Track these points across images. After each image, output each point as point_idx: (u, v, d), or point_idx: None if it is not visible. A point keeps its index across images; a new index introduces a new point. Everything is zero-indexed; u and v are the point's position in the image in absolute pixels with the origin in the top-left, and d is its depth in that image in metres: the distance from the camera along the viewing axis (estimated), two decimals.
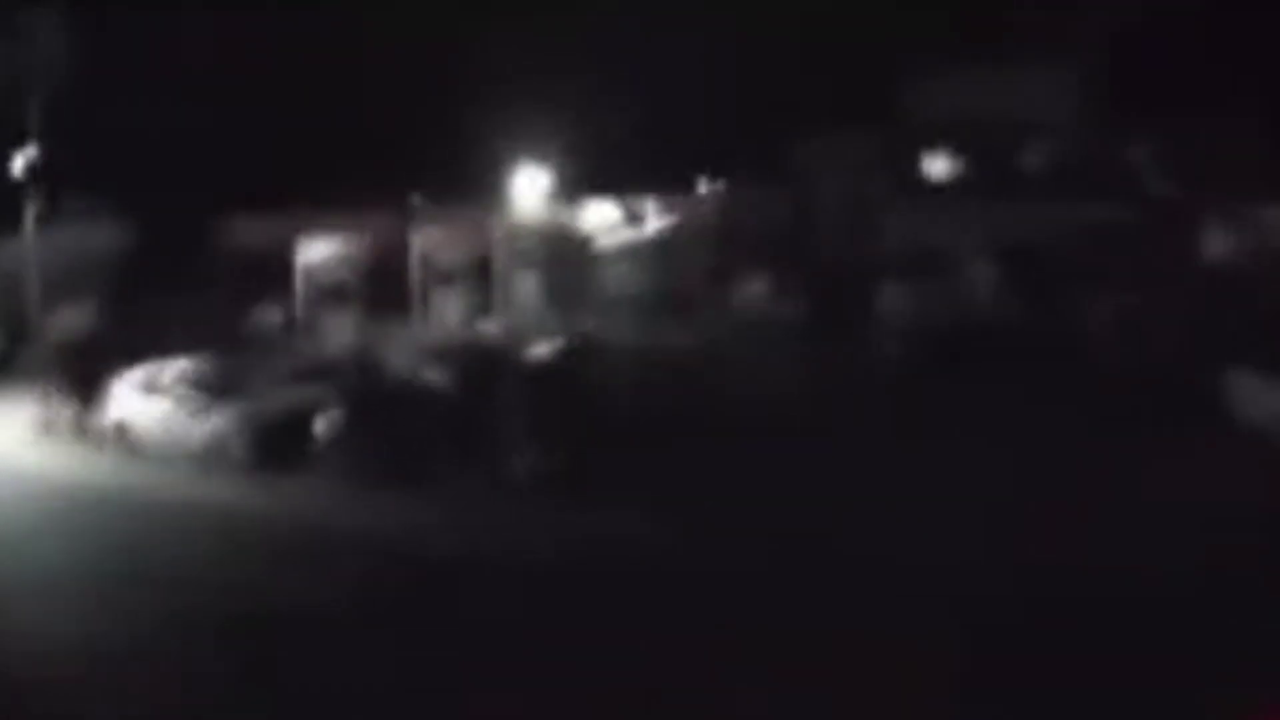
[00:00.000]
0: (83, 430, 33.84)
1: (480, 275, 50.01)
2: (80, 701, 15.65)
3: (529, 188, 49.94)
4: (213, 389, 30.97)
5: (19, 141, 35.35)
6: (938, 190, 45.01)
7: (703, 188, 49.98)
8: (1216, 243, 37.76)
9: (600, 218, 49.89)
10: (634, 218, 49.47)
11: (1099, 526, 19.92)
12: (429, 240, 49.91)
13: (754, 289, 44.40)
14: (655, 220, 49.32)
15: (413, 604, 18.88)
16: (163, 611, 19.02)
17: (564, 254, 50.18)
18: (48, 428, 34.50)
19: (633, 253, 49.37)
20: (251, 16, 47.22)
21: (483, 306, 49.23)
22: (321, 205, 47.07)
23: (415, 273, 49.27)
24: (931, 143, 46.10)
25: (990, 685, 14.35)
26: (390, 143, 48.15)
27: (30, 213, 35.65)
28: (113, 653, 17.26)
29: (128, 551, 22.94)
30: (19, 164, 35.48)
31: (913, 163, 45.91)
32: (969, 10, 42.31)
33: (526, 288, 50.30)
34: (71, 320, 35.90)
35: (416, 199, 50.59)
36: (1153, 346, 29.98)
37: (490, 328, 47.36)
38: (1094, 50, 42.31)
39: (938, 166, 46.49)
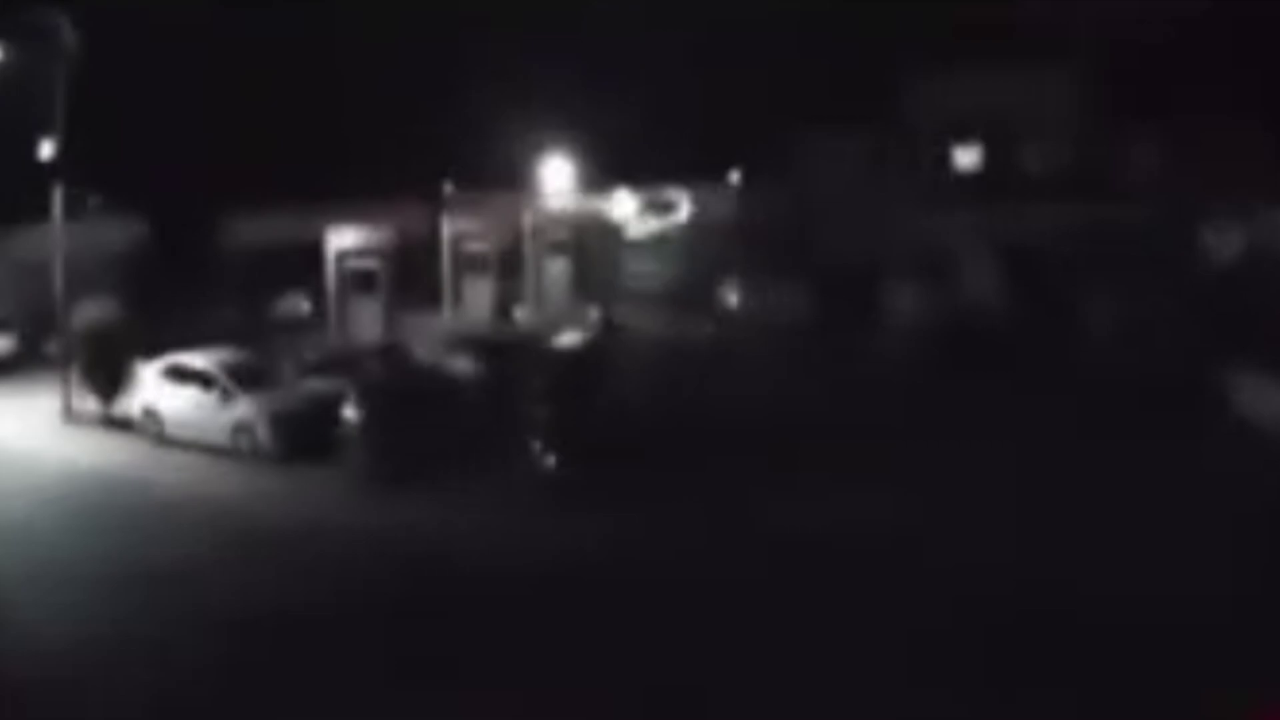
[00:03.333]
0: (108, 419, 34.02)
1: (510, 264, 50.08)
2: (97, 689, 15.79)
3: (558, 177, 49.97)
4: (239, 379, 31.04)
5: (41, 137, 35.47)
6: (941, 189, 44.84)
7: (729, 179, 49.89)
8: (1217, 243, 37.54)
9: (627, 207, 49.91)
10: (660, 207, 49.47)
11: (1099, 526, 19.91)
12: (459, 229, 49.98)
13: (769, 284, 44.40)
14: (682, 211, 49.36)
15: (422, 600, 19.00)
16: (179, 603, 19.19)
17: (592, 243, 50.23)
18: (73, 417, 34.67)
19: (658, 244, 49.44)
20: (284, 7, 47.36)
21: (512, 295, 49.28)
22: (351, 194, 47.17)
23: (445, 262, 49.37)
24: (935, 143, 45.96)
25: (993, 684, 14.37)
26: (421, 133, 48.28)
27: (55, 206, 35.74)
28: (122, 643, 17.42)
29: (148, 540, 23.10)
30: (44, 157, 35.59)
31: (916, 162, 45.74)
32: (972, 10, 42.04)
33: (555, 277, 50.36)
34: (97, 311, 36.02)
35: (447, 188, 50.67)
36: (1154, 346, 29.84)
37: (518, 317, 47.43)
38: (1094, 51, 42.00)
39: (941, 166, 46.35)
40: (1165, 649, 14.69)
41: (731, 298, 45.62)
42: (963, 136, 45.55)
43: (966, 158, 46.00)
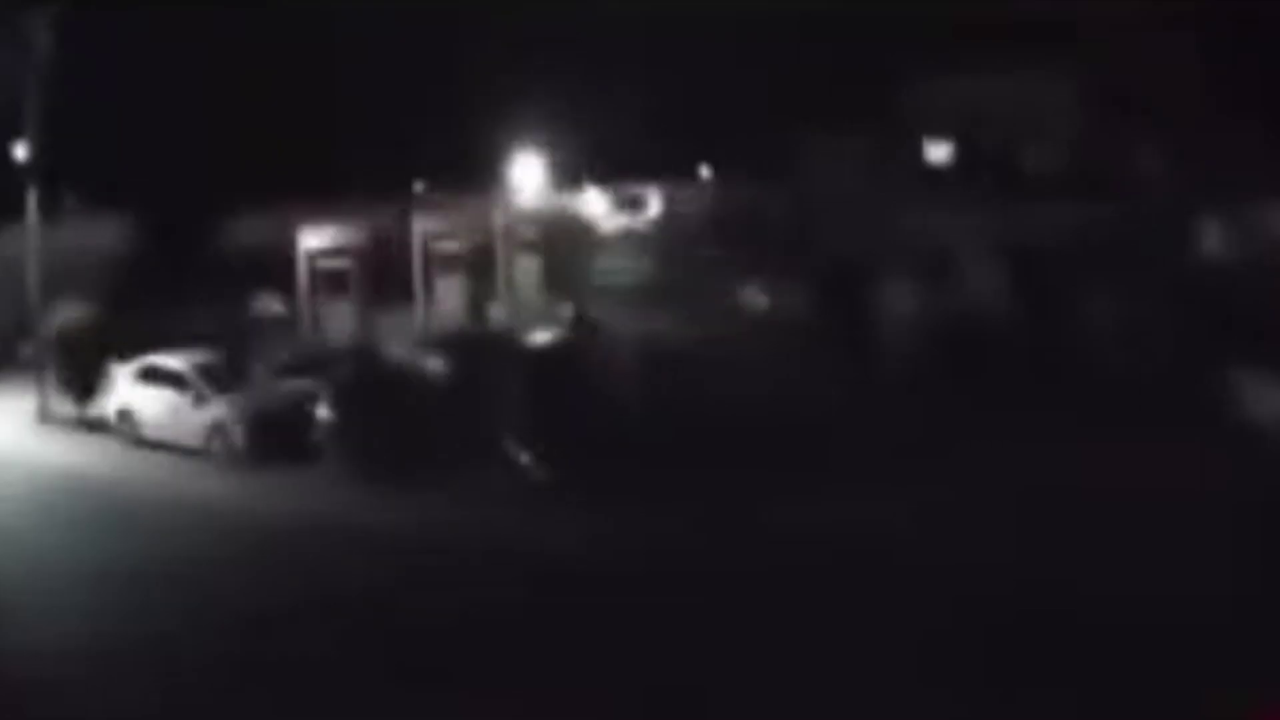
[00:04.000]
0: (83, 421, 33.81)
1: (482, 263, 49.89)
2: (75, 693, 15.62)
3: (530, 175, 49.87)
4: (213, 379, 30.90)
5: (18, 137, 35.22)
6: (939, 189, 44.92)
7: (704, 176, 49.86)
8: (1217, 242, 37.69)
9: (601, 205, 49.87)
10: (634, 205, 49.44)
11: (1099, 526, 19.91)
12: (430, 228, 49.75)
13: (755, 282, 44.40)
14: (656, 208, 49.34)
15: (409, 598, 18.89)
16: (158, 604, 19.05)
17: (565, 241, 50.13)
18: (49, 418, 34.44)
19: (634, 241, 49.35)
20: (252, 9, 47.11)
21: (485, 294, 49.09)
22: (322, 194, 46.95)
23: (417, 261, 49.10)
24: (934, 142, 46.06)
25: (993, 684, 14.33)
26: (392, 132, 48.11)
27: (31, 206, 35.52)
28: (107, 645, 17.26)
29: (126, 543, 22.94)
30: (20, 158, 35.33)
31: (915, 161, 45.81)
32: (971, 10, 42.06)
33: (528, 275, 50.20)
34: (72, 312, 35.82)
35: (418, 187, 50.51)
36: (1153, 345, 29.88)
37: (492, 315, 47.25)
38: (1095, 50, 42.11)
39: (939, 166, 46.43)
40: (1165, 649, 14.67)
41: (727, 296, 45.62)
42: (962, 136, 45.66)
43: (965, 157, 46.11)
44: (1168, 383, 26.94)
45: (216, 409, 30.05)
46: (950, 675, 14.66)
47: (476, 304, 48.56)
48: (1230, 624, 15.21)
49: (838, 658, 15.39)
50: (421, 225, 49.56)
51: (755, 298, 44.47)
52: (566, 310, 41.68)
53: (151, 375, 31.51)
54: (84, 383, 33.85)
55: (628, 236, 49.69)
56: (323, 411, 28.63)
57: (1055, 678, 14.45)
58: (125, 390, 31.98)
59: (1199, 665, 14.03)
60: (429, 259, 49.79)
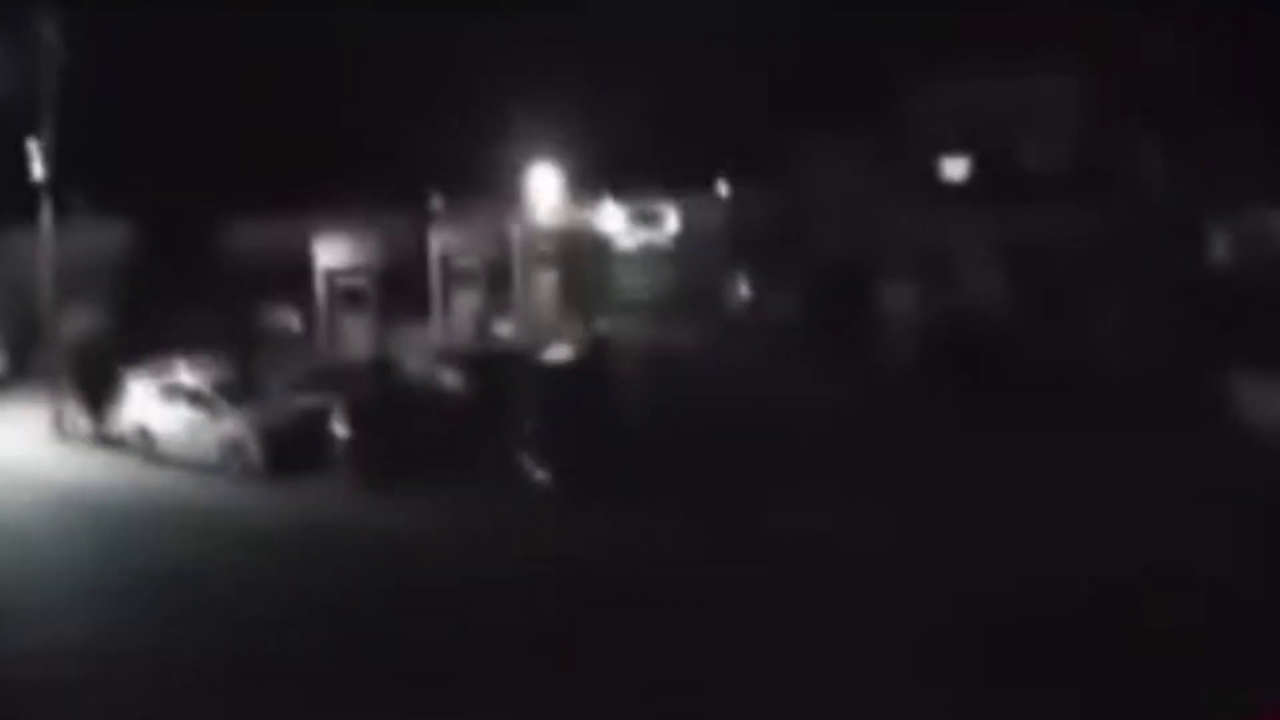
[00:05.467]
0: (97, 432, 33.85)
1: (498, 277, 50.02)
2: (84, 703, 15.72)
3: (546, 189, 49.96)
4: (229, 392, 30.96)
5: (28, 144, 35.15)
6: (941, 191, 44.83)
7: (717, 187, 49.90)
8: (1218, 244, 37.62)
9: (618, 219, 49.95)
10: (651, 219, 49.52)
11: (1100, 527, 19.90)
12: (447, 242, 49.93)
13: (762, 289, 44.50)
14: (670, 220, 49.42)
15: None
16: (167, 616, 19.14)
17: (581, 255, 50.19)
18: (62, 430, 34.48)
19: (650, 255, 49.43)
20: (267, 17, 47.25)
21: (501, 308, 49.22)
22: (339, 207, 47.07)
23: (433, 275, 49.28)
24: (934, 144, 45.99)
25: (993, 684, 14.35)
26: (408, 145, 48.17)
27: (42, 215, 35.46)
28: (112, 655, 17.38)
29: (139, 555, 23.04)
30: (31, 161, 35.23)
31: (916, 164, 45.75)
32: (973, 15, 42.00)
33: (544, 290, 50.28)
34: (85, 321, 35.78)
35: (434, 201, 50.59)
36: (1154, 347, 29.82)
37: (508, 330, 47.36)
38: (1096, 53, 42.00)
39: (941, 168, 46.37)
40: (1165, 649, 14.67)
41: (728, 301, 45.65)
42: (963, 138, 45.57)
43: (966, 159, 46.01)
44: (1168, 383, 26.93)
45: (232, 424, 30.09)
46: (950, 675, 14.68)
47: (493, 319, 48.70)
48: (1230, 624, 15.21)
49: (838, 657, 15.41)
50: (438, 239, 49.77)
51: (763, 304, 44.59)
52: (582, 324, 41.81)
53: (166, 388, 31.50)
54: (97, 396, 33.87)
55: (644, 250, 49.82)
56: (339, 426, 28.69)
57: (1055, 678, 14.46)
58: (140, 403, 31.98)
59: (1199, 665, 14.02)
60: (446, 273, 49.99)
